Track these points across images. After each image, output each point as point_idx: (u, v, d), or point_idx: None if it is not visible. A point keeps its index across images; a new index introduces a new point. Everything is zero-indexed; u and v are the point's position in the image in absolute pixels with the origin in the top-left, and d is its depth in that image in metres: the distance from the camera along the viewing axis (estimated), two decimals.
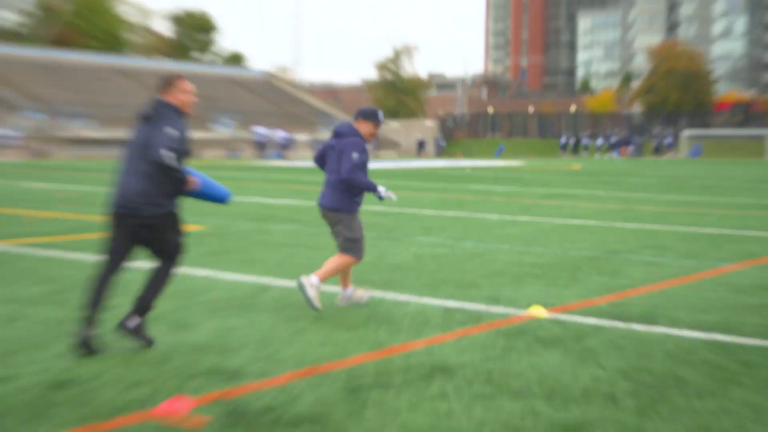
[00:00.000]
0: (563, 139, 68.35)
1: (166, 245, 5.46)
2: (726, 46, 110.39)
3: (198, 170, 6.17)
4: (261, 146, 42.74)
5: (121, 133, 52.37)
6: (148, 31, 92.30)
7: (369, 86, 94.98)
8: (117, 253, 5.36)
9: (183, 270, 8.51)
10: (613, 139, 65.28)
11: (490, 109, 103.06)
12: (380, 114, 6.97)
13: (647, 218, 14.64)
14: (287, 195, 19.34)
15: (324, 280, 6.64)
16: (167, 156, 5.17)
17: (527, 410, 4.29)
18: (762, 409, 4.34)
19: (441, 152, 69.02)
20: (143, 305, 5.45)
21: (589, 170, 37.53)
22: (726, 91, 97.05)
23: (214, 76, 73.86)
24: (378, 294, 7.40)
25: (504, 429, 4.01)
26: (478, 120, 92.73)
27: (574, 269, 8.88)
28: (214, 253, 9.77)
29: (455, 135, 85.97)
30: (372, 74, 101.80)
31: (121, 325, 5.43)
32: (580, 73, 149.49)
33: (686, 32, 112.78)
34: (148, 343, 5.43)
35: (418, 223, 13.43)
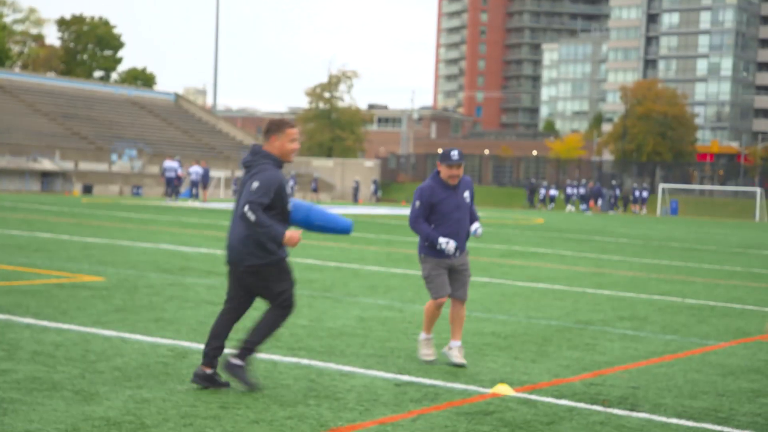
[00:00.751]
0: (580, 190, 66.98)
1: (269, 294, 6.56)
2: (710, 89, 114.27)
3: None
4: (171, 183, 42.47)
5: None
6: (37, 42, 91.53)
7: (300, 117, 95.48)
8: (232, 299, 6.65)
9: (84, 330, 8.45)
10: (581, 191, 66.51)
11: (440, 150, 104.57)
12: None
13: (622, 284, 15.02)
14: (205, 242, 19.29)
15: None
16: (249, 213, 6.21)
17: None
18: None
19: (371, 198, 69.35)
20: (247, 347, 6.53)
21: (552, 225, 38.26)
22: (709, 139, 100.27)
23: (115, 97, 73.46)
24: (318, 364, 7.47)
25: None
26: (426, 161, 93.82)
27: (542, 341, 9.08)
28: (120, 310, 9.71)
29: (399, 178, 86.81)
30: (303, 102, 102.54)
31: (224, 365, 6.47)
32: (544, 112, 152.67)
33: (666, 70, 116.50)
34: (249, 387, 6.43)
35: (360, 281, 13.55)
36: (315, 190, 67.49)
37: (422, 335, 7.96)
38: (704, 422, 6.26)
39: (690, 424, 6.21)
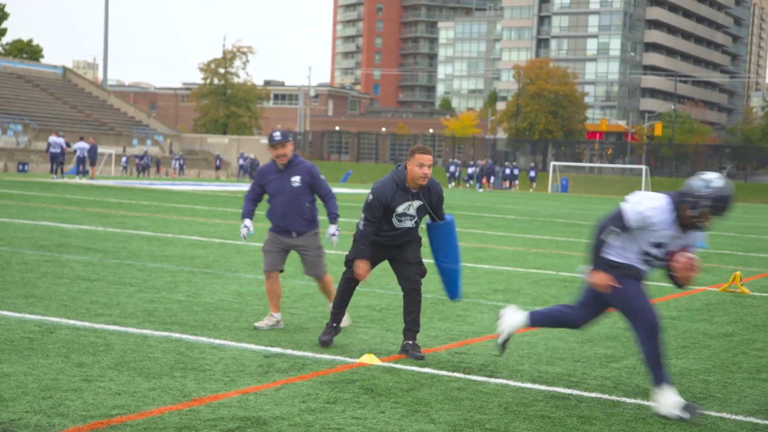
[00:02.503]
0: (452, 167, 68.04)
1: None
2: (600, 68, 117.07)
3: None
4: (56, 159, 41.47)
5: None
6: None
7: (194, 93, 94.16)
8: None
9: None
10: (472, 170, 67.58)
11: (337, 127, 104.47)
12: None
13: (502, 259, 15.45)
14: (87, 219, 19.01)
15: None
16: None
17: None
18: None
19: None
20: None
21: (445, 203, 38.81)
22: (599, 118, 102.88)
23: None
24: (189, 338, 7.55)
25: None
26: (323, 139, 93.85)
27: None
28: None
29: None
30: (196, 78, 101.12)
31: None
32: (441, 90, 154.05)
33: (557, 50, 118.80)
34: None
35: (243, 258, 13.61)
36: (218, 168, 66.73)
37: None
38: (556, 386, 6.59)
39: (542, 388, 6.52)
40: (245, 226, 8.35)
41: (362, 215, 7.39)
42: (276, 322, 8.21)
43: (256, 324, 8.16)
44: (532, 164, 72.58)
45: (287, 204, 8.23)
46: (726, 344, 8.61)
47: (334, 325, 7.68)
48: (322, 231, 8.60)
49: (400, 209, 7.32)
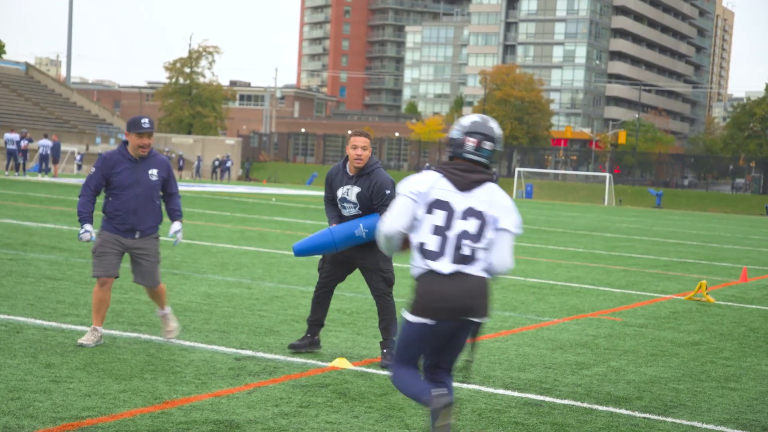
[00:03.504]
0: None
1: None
2: (565, 75, 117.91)
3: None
4: (12, 156, 40.98)
5: None
6: None
7: (158, 92, 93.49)
8: None
9: None
10: None
11: (303, 129, 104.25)
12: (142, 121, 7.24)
13: None
14: (51, 218, 18.78)
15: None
16: None
17: None
18: None
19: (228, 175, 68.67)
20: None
21: None
22: (564, 125, 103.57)
23: None
24: (159, 339, 7.47)
25: None
26: (288, 141, 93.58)
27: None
28: None
29: (261, 157, 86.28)
30: (161, 77, 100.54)
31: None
32: (407, 93, 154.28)
33: (524, 56, 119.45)
34: None
35: (211, 259, 13.51)
36: (181, 168, 66.25)
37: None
38: (528, 392, 6.60)
39: (515, 394, 6.53)
40: (86, 231, 7.24)
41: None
42: (100, 337, 7.08)
43: (81, 341, 6.98)
44: (494, 169, 72.96)
45: (140, 199, 7.26)
46: (694, 353, 8.68)
47: (311, 337, 7.52)
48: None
49: (339, 193, 7.32)
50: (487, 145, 4.78)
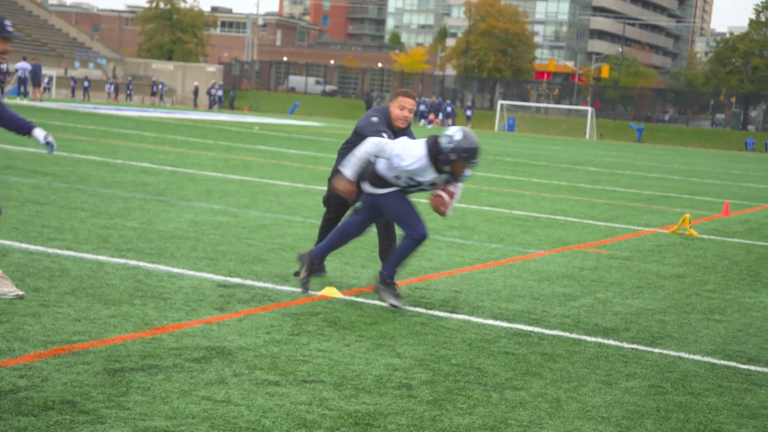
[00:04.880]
0: (422, 106, 67.20)
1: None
2: (550, 8, 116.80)
3: None
4: None
5: None
6: None
7: (138, 16, 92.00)
8: None
9: None
10: (422, 107, 67.33)
11: (285, 58, 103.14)
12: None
13: None
14: (32, 142, 18.55)
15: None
16: None
17: (315, 399, 4.54)
18: (559, 402, 4.86)
19: (218, 104, 68.09)
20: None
21: None
22: (547, 58, 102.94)
23: None
24: (147, 265, 7.41)
25: (288, 419, 4.24)
26: (271, 69, 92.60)
27: (373, 248, 9.25)
28: None
29: (242, 85, 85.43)
30: (141, 1, 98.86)
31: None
32: (390, 24, 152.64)
33: None
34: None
35: (196, 186, 13.41)
36: (154, 94, 65.54)
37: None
38: (518, 323, 6.61)
39: (504, 324, 6.54)
40: None
41: (377, 136, 6.88)
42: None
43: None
44: (469, 103, 72.63)
45: None
46: (679, 285, 8.72)
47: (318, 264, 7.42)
48: None
49: None
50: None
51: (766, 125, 76.02)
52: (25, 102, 39.98)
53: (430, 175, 6.65)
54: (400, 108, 7.19)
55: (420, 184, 6.75)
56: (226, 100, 70.88)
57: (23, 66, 41.85)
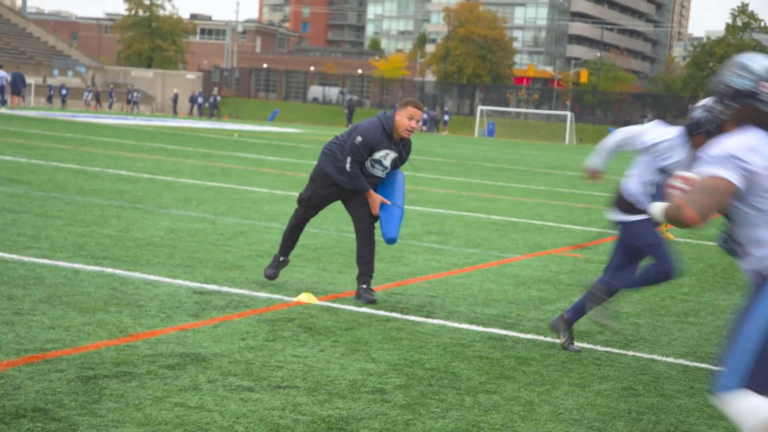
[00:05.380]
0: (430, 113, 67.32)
1: None
2: (528, 13, 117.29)
3: None
4: None
5: None
6: None
7: (117, 24, 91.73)
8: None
9: None
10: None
11: (265, 65, 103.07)
12: None
13: (433, 201, 15.48)
14: (9, 150, 18.47)
15: None
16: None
17: (288, 404, 4.56)
18: (531, 405, 4.89)
19: (217, 110, 67.89)
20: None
21: None
22: (526, 63, 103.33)
23: None
24: (122, 273, 7.40)
25: (261, 424, 4.25)
26: (250, 76, 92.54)
27: (350, 254, 9.29)
28: None
29: (222, 92, 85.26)
30: (119, 8, 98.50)
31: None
32: (370, 30, 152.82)
33: None
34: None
35: (173, 194, 13.39)
36: (129, 102, 65.30)
37: None
38: (493, 327, 6.64)
39: (479, 329, 6.57)
40: None
41: (348, 158, 7.13)
42: None
43: None
44: (446, 108, 72.82)
45: None
46: (654, 288, 8.77)
47: (281, 258, 7.55)
48: None
49: (377, 155, 7.20)
50: None
51: None
52: (2, 110, 39.76)
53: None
54: (409, 118, 7.14)
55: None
56: (212, 107, 70.49)
57: (1, 74, 41.62)
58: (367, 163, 7.22)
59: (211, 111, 64.76)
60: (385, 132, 7.15)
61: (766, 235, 3.41)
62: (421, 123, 63.93)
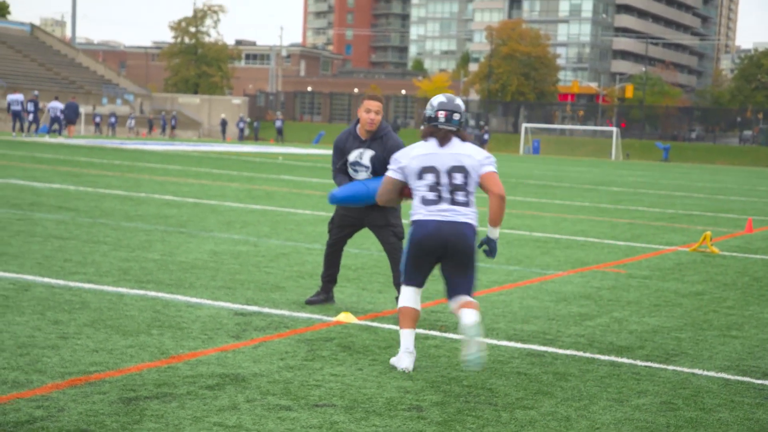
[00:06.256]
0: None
1: None
2: (572, 30, 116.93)
3: None
4: (18, 117, 40.91)
5: None
6: None
7: (164, 52, 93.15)
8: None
9: None
10: None
11: (309, 88, 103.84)
12: None
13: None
14: (57, 178, 18.83)
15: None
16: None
17: (325, 422, 4.61)
18: (569, 421, 4.89)
19: (243, 136, 68.69)
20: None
21: None
22: (570, 80, 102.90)
23: None
24: (165, 296, 7.52)
25: None
26: (295, 100, 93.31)
27: (390, 273, 9.33)
28: None
29: (267, 116, 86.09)
30: (166, 36, 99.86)
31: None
32: (413, 51, 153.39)
33: (530, 11, 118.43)
34: None
35: (217, 217, 13.55)
36: (165, 127, 66.26)
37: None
38: (532, 344, 6.64)
39: (518, 345, 6.57)
40: None
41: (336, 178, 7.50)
42: None
43: None
44: (486, 128, 72.68)
45: None
46: (697, 302, 8.71)
47: (322, 295, 7.69)
48: None
49: (351, 157, 7.35)
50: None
51: None
52: (59, 140, 40.52)
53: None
54: (366, 111, 7.27)
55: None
56: (250, 132, 71.55)
57: (54, 105, 42.49)
58: (350, 170, 7.40)
59: (278, 136, 65.92)
60: (352, 133, 7.38)
61: None
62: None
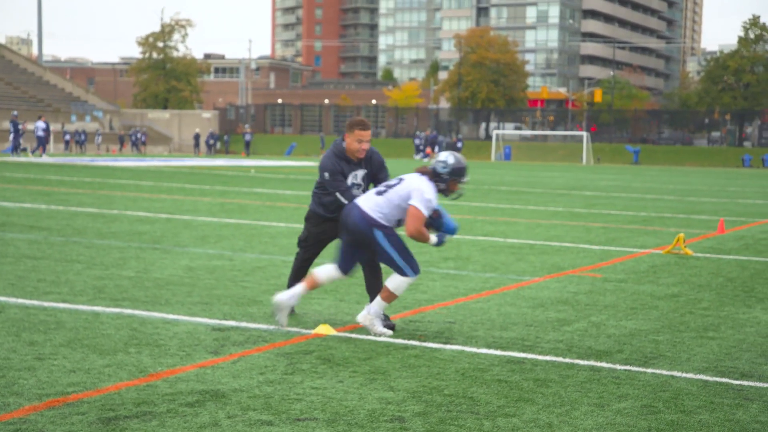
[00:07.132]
0: (417, 140, 68.12)
1: None
2: (539, 36, 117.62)
3: None
4: (40, 141, 40.77)
5: None
6: None
7: (132, 68, 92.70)
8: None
9: None
10: (417, 141, 67.69)
11: (280, 100, 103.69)
12: None
13: None
14: (28, 197, 18.67)
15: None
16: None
17: None
18: (551, 427, 4.90)
19: (212, 150, 68.52)
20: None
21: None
22: (539, 86, 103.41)
23: None
24: (142, 314, 7.47)
25: None
26: (266, 112, 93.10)
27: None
28: None
29: (238, 129, 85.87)
30: (134, 52, 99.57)
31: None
32: (382, 60, 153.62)
33: (498, 18, 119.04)
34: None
35: (191, 232, 13.48)
36: (135, 143, 65.97)
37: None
38: (511, 350, 6.65)
39: (498, 353, 6.58)
40: None
41: (336, 193, 7.37)
42: None
43: None
44: (460, 136, 72.88)
45: None
46: (673, 305, 8.76)
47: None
48: None
49: (349, 180, 7.42)
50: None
51: (761, 141, 76.22)
52: (30, 158, 40.19)
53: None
54: (358, 141, 7.33)
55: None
56: (221, 145, 71.40)
57: (40, 125, 42.29)
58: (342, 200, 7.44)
59: (247, 148, 65.83)
60: (340, 157, 7.39)
61: None
62: (437, 149, 63.79)
